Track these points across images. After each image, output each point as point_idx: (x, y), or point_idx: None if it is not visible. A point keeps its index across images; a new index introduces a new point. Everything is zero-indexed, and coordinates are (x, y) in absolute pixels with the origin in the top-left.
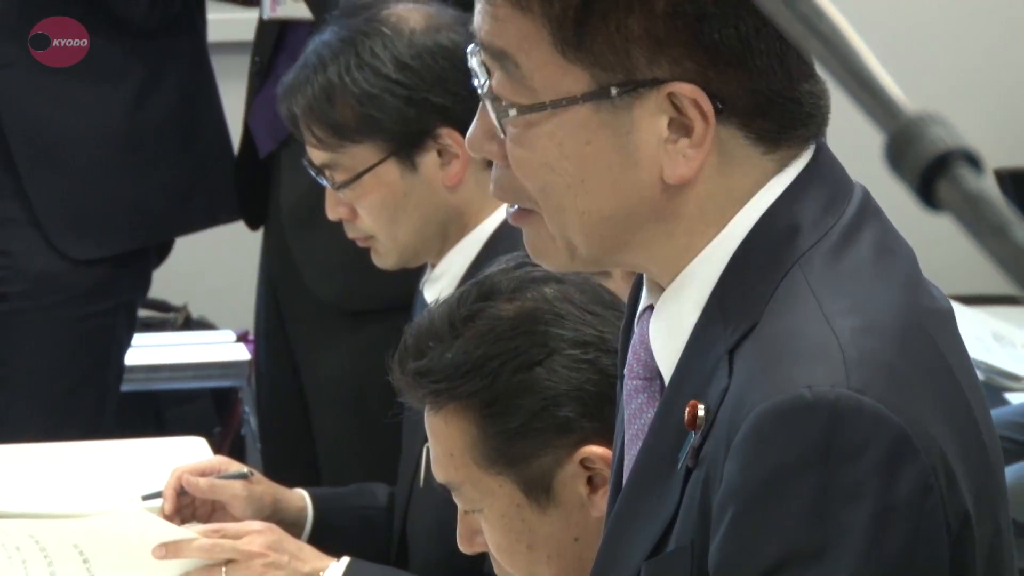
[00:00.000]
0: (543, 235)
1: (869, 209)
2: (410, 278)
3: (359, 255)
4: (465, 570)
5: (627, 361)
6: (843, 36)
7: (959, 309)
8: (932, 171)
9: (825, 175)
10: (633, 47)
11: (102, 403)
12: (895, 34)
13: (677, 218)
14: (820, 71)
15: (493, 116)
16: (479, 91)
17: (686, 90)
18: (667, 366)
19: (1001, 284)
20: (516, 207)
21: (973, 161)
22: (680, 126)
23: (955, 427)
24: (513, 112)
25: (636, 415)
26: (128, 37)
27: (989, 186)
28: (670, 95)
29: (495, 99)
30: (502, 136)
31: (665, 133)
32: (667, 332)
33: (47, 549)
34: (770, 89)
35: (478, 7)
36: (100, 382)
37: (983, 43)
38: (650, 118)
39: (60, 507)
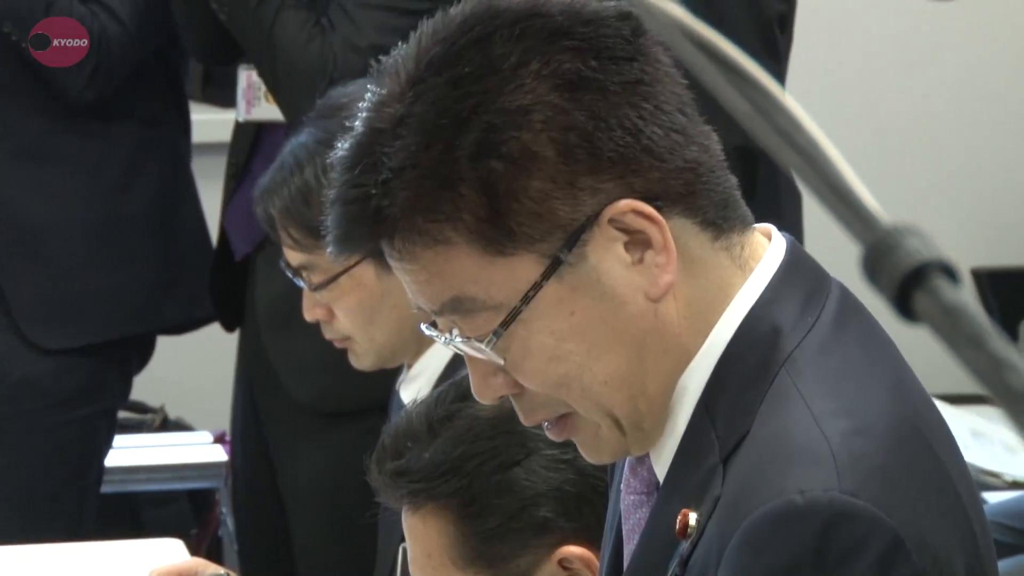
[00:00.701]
0: (590, 432)
1: (849, 306)
2: (387, 379)
3: (335, 356)
4: None
5: (623, 476)
6: (820, 149)
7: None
8: (909, 282)
9: (798, 274)
10: (551, 203)
11: (82, 508)
12: (872, 132)
13: (671, 335)
14: (798, 183)
15: (480, 356)
16: (451, 350)
17: (620, 207)
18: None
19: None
20: (550, 425)
21: (950, 272)
22: (637, 243)
23: (950, 526)
24: (494, 338)
25: (635, 530)
26: (103, 126)
27: (966, 297)
28: (610, 221)
29: (472, 343)
30: (501, 363)
31: (628, 258)
32: (665, 445)
33: None
34: (685, 159)
35: (405, 285)
36: (80, 488)
37: (960, 142)
38: (606, 253)
39: None
